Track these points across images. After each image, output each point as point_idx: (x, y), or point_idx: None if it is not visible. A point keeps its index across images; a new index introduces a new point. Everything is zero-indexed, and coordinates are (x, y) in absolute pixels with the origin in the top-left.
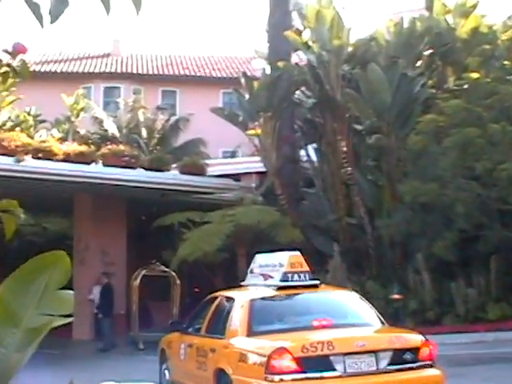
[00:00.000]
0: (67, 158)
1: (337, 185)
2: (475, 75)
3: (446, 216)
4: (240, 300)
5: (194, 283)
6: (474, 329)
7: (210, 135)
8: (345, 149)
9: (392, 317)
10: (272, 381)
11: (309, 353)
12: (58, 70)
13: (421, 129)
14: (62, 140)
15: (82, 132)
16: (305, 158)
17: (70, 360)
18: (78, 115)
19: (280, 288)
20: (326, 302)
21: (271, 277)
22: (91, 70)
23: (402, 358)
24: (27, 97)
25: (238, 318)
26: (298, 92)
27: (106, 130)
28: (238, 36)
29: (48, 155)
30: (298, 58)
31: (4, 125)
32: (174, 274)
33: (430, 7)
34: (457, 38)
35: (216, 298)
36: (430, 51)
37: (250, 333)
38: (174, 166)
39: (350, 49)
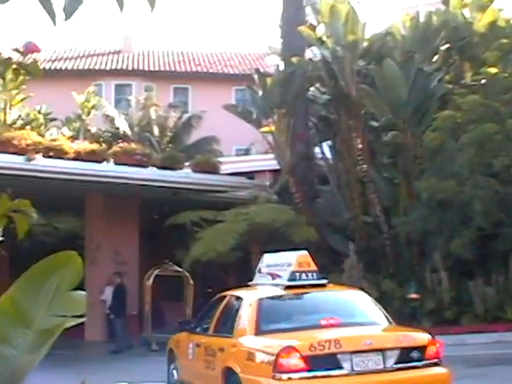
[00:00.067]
0: (78, 157)
1: (352, 182)
2: (493, 70)
3: (464, 213)
4: (248, 299)
5: (208, 283)
6: (492, 328)
7: (223, 133)
8: (360, 146)
9: (409, 316)
10: (280, 379)
11: (316, 351)
12: (69, 68)
13: (437, 125)
14: (73, 138)
15: (93, 130)
16: (319, 156)
17: (81, 361)
18: (88, 113)
19: (288, 287)
20: (334, 301)
21: (279, 276)
22: (102, 68)
23: (408, 356)
24: (37, 95)
25: (246, 317)
26: (312, 88)
27: (118, 128)
28: (250, 32)
29: (59, 154)
30: (312, 53)
31: (14, 123)
32: (187, 273)
33: (446, 1)
34: (474, 33)
35: (224, 297)
36: (447, 46)
37: (258, 332)
38: (187, 164)
39: (365, 44)
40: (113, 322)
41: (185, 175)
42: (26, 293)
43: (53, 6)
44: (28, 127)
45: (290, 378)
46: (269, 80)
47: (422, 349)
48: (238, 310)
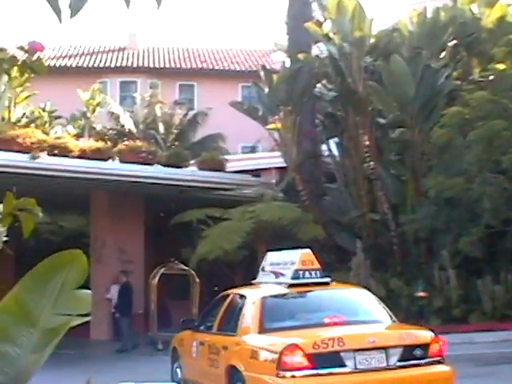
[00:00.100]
0: (83, 155)
1: (359, 180)
2: (501, 66)
3: (472, 211)
4: (252, 297)
5: (214, 281)
6: (501, 327)
7: (229, 130)
8: (367, 143)
9: (417, 315)
10: (284, 377)
11: (320, 349)
12: (74, 65)
13: (445, 122)
14: (78, 136)
15: (98, 128)
16: (326, 153)
17: (87, 360)
18: (93, 111)
19: (291, 285)
20: (337, 299)
21: (282, 274)
22: (107, 65)
23: (411, 354)
24: (42, 92)
25: (249, 315)
26: (318, 85)
27: (123, 126)
28: (256, 28)
29: (64, 152)
30: (319, 50)
31: (19, 121)
32: (193, 272)
33: None
34: (482, 28)
35: (228, 295)
36: (455, 42)
37: (262, 330)
38: (193, 161)
39: (372, 40)
40: (118, 320)
41: (190, 173)
42: (30, 291)
43: (59, 2)
44: (33, 125)
45: (293, 376)
46: (275, 77)
47: (424, 347)
48: (241, 309)
